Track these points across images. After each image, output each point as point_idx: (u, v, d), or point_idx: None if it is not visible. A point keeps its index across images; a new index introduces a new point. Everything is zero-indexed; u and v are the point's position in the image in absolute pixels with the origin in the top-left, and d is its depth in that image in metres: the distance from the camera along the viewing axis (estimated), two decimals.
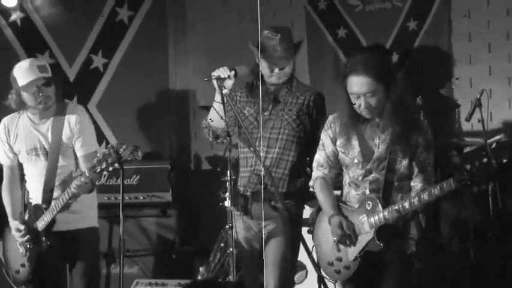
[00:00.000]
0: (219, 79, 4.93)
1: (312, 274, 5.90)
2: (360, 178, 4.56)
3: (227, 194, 5.17)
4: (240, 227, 5.17)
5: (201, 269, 6.92)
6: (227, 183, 5.09)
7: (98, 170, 4.88)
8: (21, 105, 5.34)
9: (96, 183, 5.27)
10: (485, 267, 6.32)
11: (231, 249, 5.01)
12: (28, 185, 5.44)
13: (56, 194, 5.26)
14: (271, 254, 5.04)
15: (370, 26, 7.58)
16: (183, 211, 7.67)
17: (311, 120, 5.16)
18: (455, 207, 6.61)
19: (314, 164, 4.77)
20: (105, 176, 7.08)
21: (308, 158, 5.15)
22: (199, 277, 6.88)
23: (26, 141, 5.36)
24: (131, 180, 7.30)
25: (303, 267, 6.28)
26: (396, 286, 4.50)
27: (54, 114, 5.32)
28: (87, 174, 4.94)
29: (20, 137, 5.38)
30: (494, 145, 6.48)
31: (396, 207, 4.36)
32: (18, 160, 5.44)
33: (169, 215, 7.47)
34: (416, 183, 4.52)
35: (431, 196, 4.28)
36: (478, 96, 6.34)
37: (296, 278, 6.00)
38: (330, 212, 4.58)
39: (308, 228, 5.08)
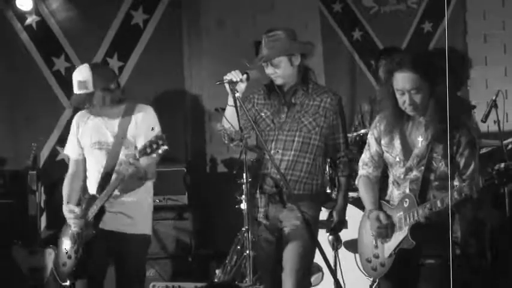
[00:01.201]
0: (231, 83, 4.94)
1: (328, 277, 5.90)
2: (402, 176, 4.60)
3: (243, 196, 5.16)
4: (256, 229, 5.17)
5: (217, 271, 6.91)
6: (243, 186, 5.07)
7: (149, 151, 4.78)
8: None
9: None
10: (502, 270, 6.30)
11: (247, 251, 5.00)
12: (88, 181, 5.37)
13: None
14: (288, 256, 5.04)
15: (385, 27, 7.60)
16: (199, 214, 7.68)
17: (327, 123, 5.15)
18: (472, 209, 6.59)
19: (360, 163, 4.85)
20: None
21: (329, 160, 5.16)
22: (215, 280, 6.88)
23: (92, 135, 5.30)
24: None
25: (319, 269, 6.27)
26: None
27: (123, 114, 5.29)
28: (137, 156, 4.86)
29: (88, 131, 5.33)
30: (510, 146, 6.47)
31: (428, 205, 4.40)
32: (84, 155, 5.39)
33: (185, 218, 7.46)
34: (457, 182, 4.50)
35: (461, 195, 4.29)
36: (494, 98, 6.33)
37: (312, 280, 6.00)
38: (369, 208, 4.67)
39: (325, 230, 5.10)
